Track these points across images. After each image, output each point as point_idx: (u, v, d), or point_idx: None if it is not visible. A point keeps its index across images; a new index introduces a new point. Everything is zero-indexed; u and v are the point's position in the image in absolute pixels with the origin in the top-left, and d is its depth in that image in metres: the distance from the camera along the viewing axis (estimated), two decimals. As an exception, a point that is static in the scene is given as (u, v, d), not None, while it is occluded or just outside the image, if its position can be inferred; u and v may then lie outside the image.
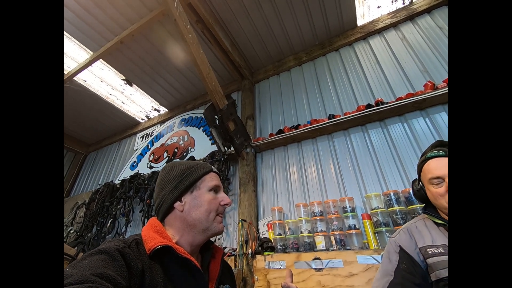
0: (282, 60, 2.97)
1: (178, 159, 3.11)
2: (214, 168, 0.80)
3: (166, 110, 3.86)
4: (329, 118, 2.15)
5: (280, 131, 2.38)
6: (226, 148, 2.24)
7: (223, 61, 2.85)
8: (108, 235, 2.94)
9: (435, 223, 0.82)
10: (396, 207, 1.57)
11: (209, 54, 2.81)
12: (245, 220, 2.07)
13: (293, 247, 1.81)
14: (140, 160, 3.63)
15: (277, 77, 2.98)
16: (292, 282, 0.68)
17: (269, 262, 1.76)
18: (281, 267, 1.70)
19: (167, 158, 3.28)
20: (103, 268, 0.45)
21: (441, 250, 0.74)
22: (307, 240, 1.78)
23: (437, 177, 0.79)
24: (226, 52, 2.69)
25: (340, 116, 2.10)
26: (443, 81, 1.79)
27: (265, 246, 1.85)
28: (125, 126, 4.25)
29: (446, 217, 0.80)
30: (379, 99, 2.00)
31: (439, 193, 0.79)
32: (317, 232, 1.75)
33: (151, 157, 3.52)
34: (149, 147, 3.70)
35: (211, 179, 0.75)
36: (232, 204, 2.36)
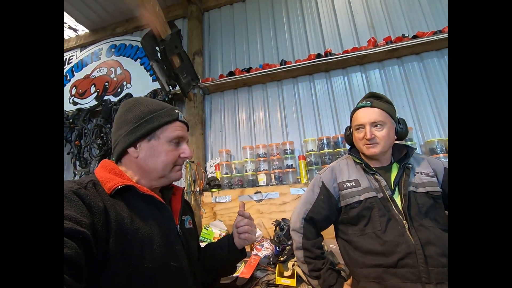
0: (237, -13, 2.56)
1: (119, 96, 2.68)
2: (181, 116, 0.72)
3: (87, 31, 3.03)
4: (281, 64, 2.14)
5: (231, 73, 2.26)
6: (170, 87, 2.03)
7: (164, -27, 2.26)
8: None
9: (355, 162, 1.02)
10: (326, 150, 1.86)
11: (143, -41, 2.16)
12: (193, 162, 2.11)
13: (238, 184, 2.01)
14: (58, 94, 2.96)
15: (230, 8, 2.62)
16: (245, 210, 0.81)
17: (216, 197, 1.94)
18: (227, 201, 1.91)
19: (96, 93, 2.78)
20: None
21: (353, 184, 0.96)
22: (250, 178, 1.99)
23: (360, 124, 0.96)
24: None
25: (291, 63, 2.11)
26: (383, 39, 1.95)
27: (212, 184, 1.99)
28: (26, 46, 3.21)
29: (364, 159, 1.00)
30: (328, 50, 2.06)
31: (359, 138, 0.97)
32: (260, 171, 1.97)
33: (73, 90, 2.91)
34: (68, 78, 3.00)
35: (174, 129, 0.69)
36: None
